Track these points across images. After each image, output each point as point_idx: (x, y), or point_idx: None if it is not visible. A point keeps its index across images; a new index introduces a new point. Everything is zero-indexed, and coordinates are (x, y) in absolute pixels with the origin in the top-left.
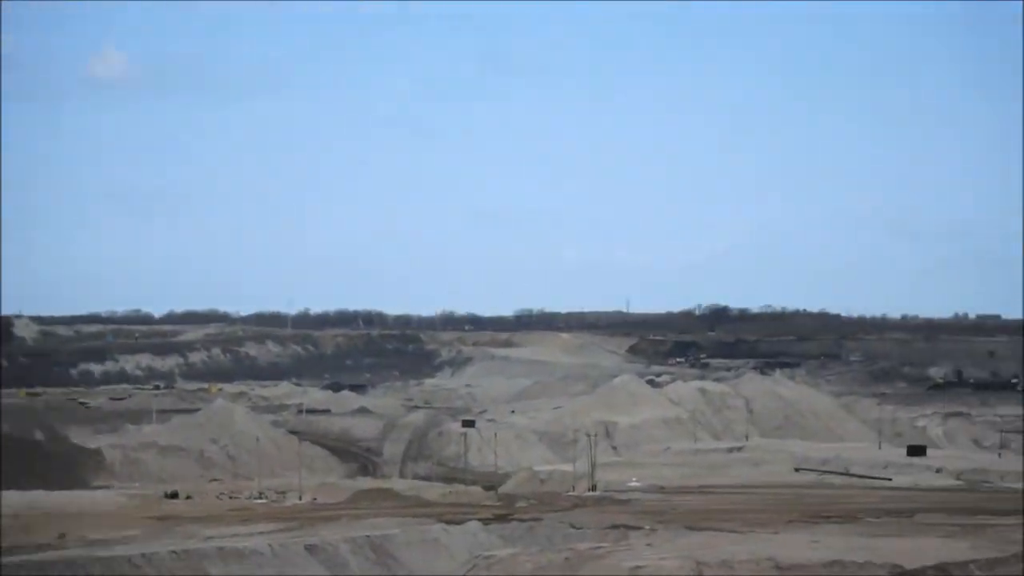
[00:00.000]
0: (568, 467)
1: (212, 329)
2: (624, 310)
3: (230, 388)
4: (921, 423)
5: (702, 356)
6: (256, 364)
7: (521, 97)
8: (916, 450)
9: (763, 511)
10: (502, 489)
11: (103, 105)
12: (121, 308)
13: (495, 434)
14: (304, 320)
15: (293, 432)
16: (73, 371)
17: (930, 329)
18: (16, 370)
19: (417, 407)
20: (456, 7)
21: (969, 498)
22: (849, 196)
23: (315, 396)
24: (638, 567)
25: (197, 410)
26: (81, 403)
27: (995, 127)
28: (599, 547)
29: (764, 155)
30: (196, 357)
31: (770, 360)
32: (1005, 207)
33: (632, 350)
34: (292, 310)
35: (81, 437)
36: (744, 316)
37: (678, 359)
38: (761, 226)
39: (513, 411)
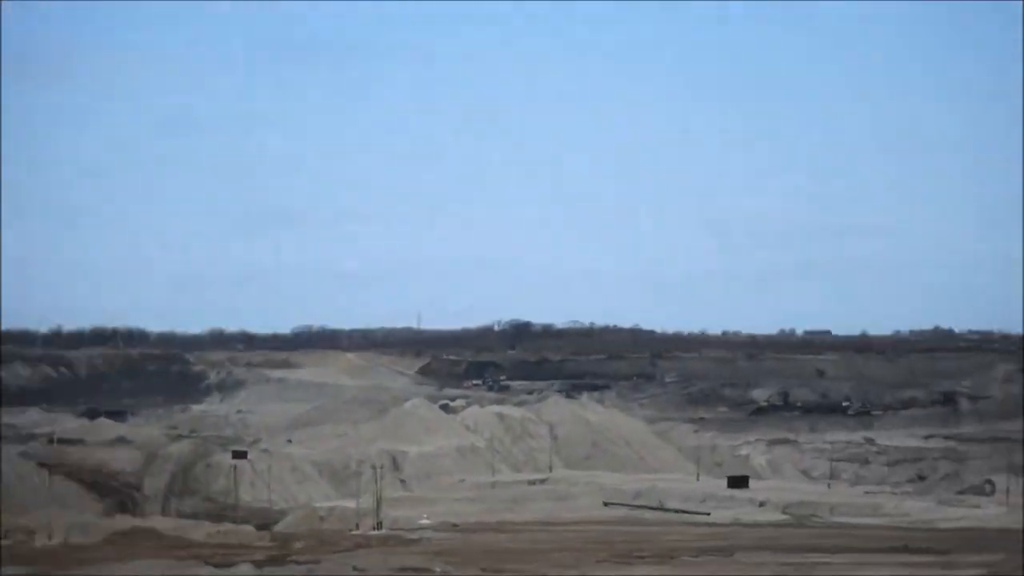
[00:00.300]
0: (351, 503)
1: None
2: (415, 326)
3: None
4: (743, 451)
5: (501, 377)
6: (2, 388)
7: (306, 90)
8: (737, 481)
9: (569, 550)
10: (277, 528)
11: None
12: None
13: (269, 466)
14: (56, 339)
15: (43, 464)
16: None
17: (753, 346)
18: None
19: (182, 436)
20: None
21: (796, 534)
22: (668, 199)
23: (68, 424)
24: None
25: None
26: None
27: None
28: None
29: (576, 154)
30: None
31: (577, 382)
32: (854, 213)
33: (423, 371)
34: (43, 327)
35: None
36: (548, 332)
37: (475, 381)
38: (569, 232)
39: (290, 440)
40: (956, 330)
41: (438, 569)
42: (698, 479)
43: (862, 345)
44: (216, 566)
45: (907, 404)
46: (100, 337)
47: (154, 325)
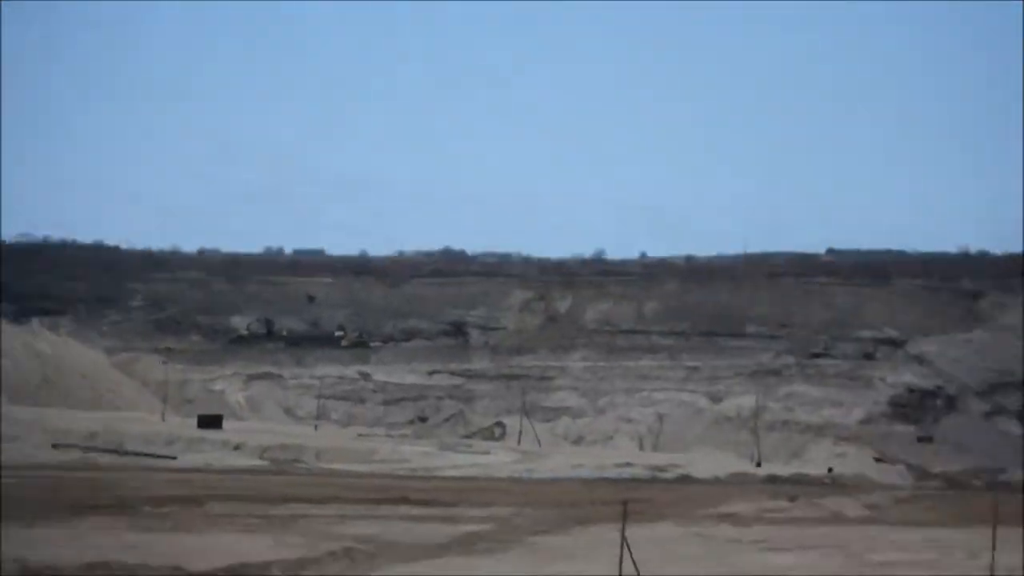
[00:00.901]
0: None
1: None
2: None
3: None
4: (219, 387)
5: None
6: None
7: None
8: (209, 421)
9: (9, 501)
10: None
11: None
12: None
13: None
14: None
15: None
16: None
17: (235, 267)
18: None
19: None
20: None
21: (275, 482)
22: None
23: None
24: None
25: None
26: None
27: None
28: None
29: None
30: None
31: (27, 306)
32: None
33: None
34: None
35: None
36: None
37: None
38: (29, 123)
39: None
40: (469, 251)
41: None
42: (164, 419)
43: (360, 267)
44: None
45: (410, 335)
46: None
47: None
